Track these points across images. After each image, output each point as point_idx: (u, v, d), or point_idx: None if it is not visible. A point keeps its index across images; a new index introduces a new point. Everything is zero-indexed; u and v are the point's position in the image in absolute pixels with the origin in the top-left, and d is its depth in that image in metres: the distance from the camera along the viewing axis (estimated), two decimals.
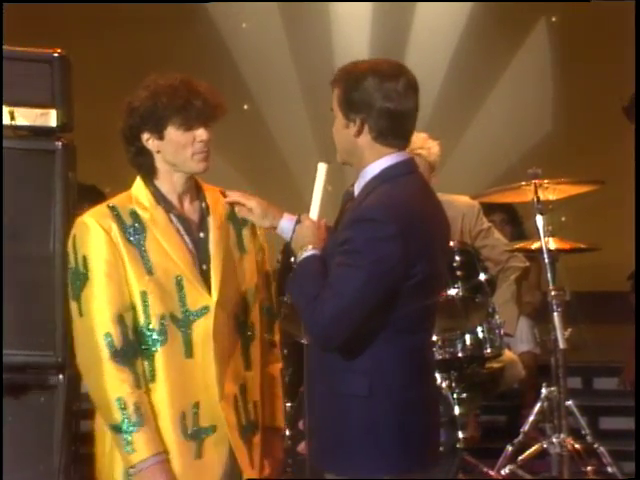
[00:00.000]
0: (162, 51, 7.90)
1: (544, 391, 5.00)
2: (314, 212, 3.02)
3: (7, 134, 3.98)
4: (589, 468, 4.93)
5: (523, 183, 4.98)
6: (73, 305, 3.13)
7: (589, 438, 4.99)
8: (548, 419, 4.97)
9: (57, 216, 3.90)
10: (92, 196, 5.10)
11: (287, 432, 4.92)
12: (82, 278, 3.11)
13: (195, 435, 3.09)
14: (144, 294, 3.10)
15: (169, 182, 3.17)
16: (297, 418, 4.85)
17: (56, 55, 3.99)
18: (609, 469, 4.96)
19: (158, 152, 3.15)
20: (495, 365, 5.31)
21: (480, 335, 5.01)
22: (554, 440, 4.86)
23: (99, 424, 3.16)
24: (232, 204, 3.22)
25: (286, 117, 8.36)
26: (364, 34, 8.44)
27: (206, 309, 3.11)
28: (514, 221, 6.50)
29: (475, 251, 5.09)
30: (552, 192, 5.01)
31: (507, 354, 5.48)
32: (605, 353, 6.70)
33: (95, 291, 3.09)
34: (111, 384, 3.06)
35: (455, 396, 4.88)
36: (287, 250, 4.92)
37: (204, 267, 3.15)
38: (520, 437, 5.06)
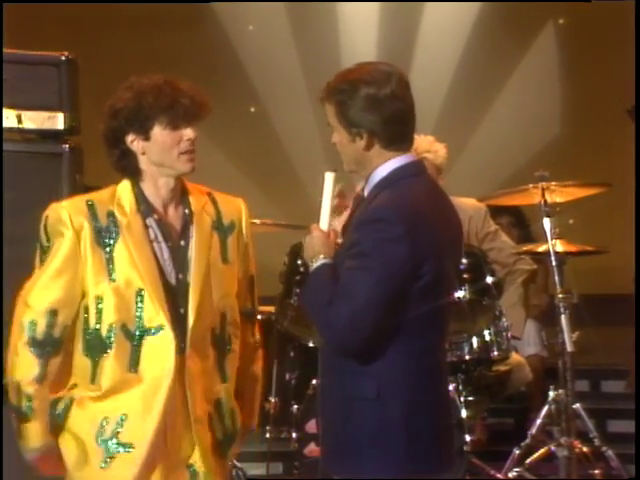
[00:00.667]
0: (169, 53, 7.90)
1: (551, 394, 4.99)
2: (324, 222, 3.01)
3: (14, 137, 3.99)
4: (597, 471, 4.92)
5: (530, 186, 4.97)
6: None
7: (597, 441, 4.98)
8: (556, 422, 4.95)
9: None
10: None
11: (294, 434, 4.93)
12: (40, 259, 3.10)
13: (107, 445, 3.04)
14: (99, 299, 3.06)
15: (154, 186, 3.12)
16: (304, 420, 4.85)
17: (63, 58, 4.00)
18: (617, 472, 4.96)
19: (143, 154, 3.09)
20: (502, 368, 5.30)
21: (487, 338, 5.01)
22: (562, 443, 4.85)
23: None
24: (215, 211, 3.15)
25: (293, 119, 8.36)
26: (371, 35, 8.43)
27: (161, 328, 3.04)
28: (521, 224, 6.48)
29: (482, 254, 5.09)
30: (559, 195, 5.00)
31: (514, 357, 5.47)
32: (613, 356, 6.68)
33: (40, 278, 3.08)
34: (17, 367, 3.06)
35: (462, 399, 4.87)
36: (293, 252, 4.92)
37: (180, 276, 3.09)
38: (527, 440, 5.05)
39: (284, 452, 5.18)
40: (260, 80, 8.47)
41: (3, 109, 3.92)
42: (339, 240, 3.07)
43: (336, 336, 2.88)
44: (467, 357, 4.97)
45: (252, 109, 8.54)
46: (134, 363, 3.04)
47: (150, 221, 3.11)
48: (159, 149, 3.08)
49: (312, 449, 5.19)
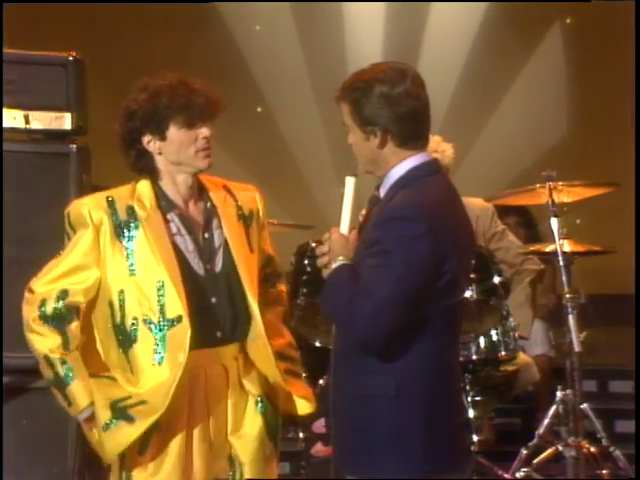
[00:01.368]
0: (175, 53, 7.90)
1: (559, 394, 4.98)
2: (344, 226, 3.00)
3: (22, 137, 4.00)
4: (604, 471, 4.91)
5: (538, 186, 4.96)
6: None
7: (604, 441, 4.97)
8: (563, 422, 4.94)
9: None
10: None
11: (301, 434, 4.93)
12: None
13: (119, 414, 3.09)
14: (122, 293, 3.11)
15: (172, 183, 3.16)
16: (311, 420, 4.85)
17: (71, 58, 4.00)
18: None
19: (160, 154, 3.14)
20: (510, 368, 5.29)
21: (494, 338, 5.00)
22: (569, 443, 4.84)
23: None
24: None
25: (298, 119, 8.35)
26: (377, 35, 8.42)
27: (180, 319, 3.08)
28: (528, 224, 6.47)
29: (489, 254, 5.09)
30: (567, 195, 4.99)
31: (522, 357, 5.46)
32: (620, 356, 6.67)
33: (58, 264, 3.14)
34: (39, 342, 3.12)
35: (469, 399, 4.87)
36: (300, 252, 4.92)
37: (208, 267, 3.15)
38: (535, 440, 5.05)
39: (291, 452, 5.17)
40: (266, 80, 8.47)
41: (11, 110, 3.93)
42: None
43: (357, 332, 2.86)
44: (474, 357, 4.96)
45: (259, 109, 8.54)
46: (159, 356, 3.09)
47: (172, 216, 3.16)
48: (176, 148, 3.12)
49: (319, 449, 5.20)
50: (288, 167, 8.42)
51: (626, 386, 6.46)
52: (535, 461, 5.00)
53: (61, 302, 3.11)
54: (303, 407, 3.30)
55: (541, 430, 5.05)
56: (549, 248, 5.00)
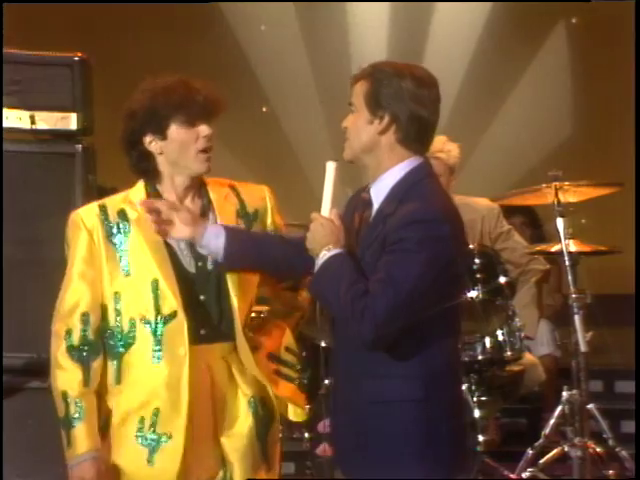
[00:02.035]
0: (179, 53, 7.90)
1: (565, 394, 4.97)
2: (325, 210, 2.98)
3: (27, 138, 4.00)
4: (610, 472, 4.90)
5: (543, 185, 4.95)
6: None
7: (611, 442, 4.95)
8: (569, 422, 4.93)
9: None
10: None
11: (306, 434, 4.93)
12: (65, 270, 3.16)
13: (150, 441, 3.08)
14: (117, 295, 3.11)
15: (170, 185, 3.16)
16: (316, 421, 4.84)
17: (76, 59, 4.00)
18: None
19: (161, 154, 3.12)
20: (515, 368, 5.28)
21: (500, 338, 4.99)
22: (575, 443, 4.83)
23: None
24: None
25: (303, 119, 8.35)
26: (381, 35, 8.41)
27: (175, 314, 3.08)
28: (534, 224, 6.47)
29: (495, 253, 5.08)
30: (572, 194, 4.98)
31: (528, 357, 5.45)
32: (627, 356, 6.65)
33: (69, 286, 3.13)
34: (61, 377, 3.09)
35: (475, 399, 4.86)
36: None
37: (199, 264, 3.14)
38: (541, 440, 5.03)
39: (296, 452, 5.17)
40: (270, 80, 8.47)
41: (17, 110, 3.93)
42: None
43: (368, 328, 2.81)
44: (480, 357, 4.96)
45: (264, 109, 8.53)
46: (157, 354, 3.08)
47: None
48: (177, 147, 3.11)
49: (325, 449, 5.19)
50: (292, 166, 8.42)
51: (632, 386, 6.42)
52: (541, 461, 4.99)
53: (86, 326, 3.11)
54: (295, 414, 3.29)
55: (547, 430, 5.04)
56: (555, 248, 4.99)
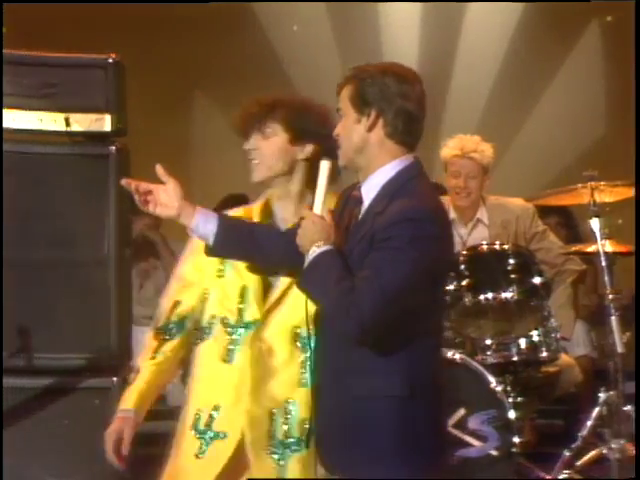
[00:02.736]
0: (212, 54, 7.92)
1: (602, 396, 4.93)
2: (317, 208, 3.01)
3: (62, 140, 4.02)
4: None
5: (579, 185, 4.92)
6: None
7: None
8: (607, 424, 4.90)
9: (111, 220, 3.93)
10: None
11: None
12: None
13: (204, 435, 3.15)
14: (206, 290, 3.23)
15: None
16: None
17: (110, 60, 4.02)
18: None
19: None
20: (551, 369, 5.26)
21: (535, 339, 4.96)
22: (613, 446, 4.79)
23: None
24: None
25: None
26: (413, 35, 8.39)
27: (256, 322, 3.16)
28: (569, 224, 6.43)
29: (530, 254, 5.05)
30: (608, 194, 4.95)
31: (564, 358, 5.42)
32: None
33: (174, 284, 3.31)
34: (142, 356, 3.27)
35: (510, 400, 4.83)
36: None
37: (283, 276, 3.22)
38: (578, 442, 5.00)
39: None
40: (302, 80, 8.47)
41: (51, 112, 3.96)
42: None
43: (355, 323, 2.83)
44: (515, 358, 4.93)
45: None
46: (230, 355, 3.16)
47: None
48: None
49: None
50: None
51: None
52: (578, 463, 4.95)
53: (173, 312, 3.26)
54: None
55: (584, 432, 5.00)
56: (591, 248, 4.95)
